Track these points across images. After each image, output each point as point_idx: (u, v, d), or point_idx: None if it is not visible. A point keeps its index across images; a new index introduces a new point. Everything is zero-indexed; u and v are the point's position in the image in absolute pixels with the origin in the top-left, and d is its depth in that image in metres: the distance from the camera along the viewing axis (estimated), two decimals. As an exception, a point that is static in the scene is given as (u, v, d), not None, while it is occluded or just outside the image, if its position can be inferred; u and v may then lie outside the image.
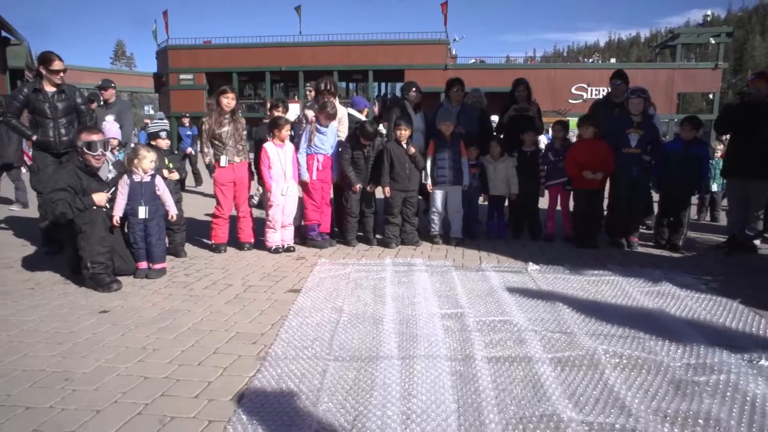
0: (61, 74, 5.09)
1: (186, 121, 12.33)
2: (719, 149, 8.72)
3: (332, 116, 5.39)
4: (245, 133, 5.43)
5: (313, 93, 6.71)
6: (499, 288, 4.06)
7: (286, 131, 5.24)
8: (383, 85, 40.22)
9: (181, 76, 35.16)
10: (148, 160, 4.34)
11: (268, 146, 5.21)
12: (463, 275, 4.43)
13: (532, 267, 4.69)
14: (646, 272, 4.56)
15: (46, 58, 5.00)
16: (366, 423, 2.14)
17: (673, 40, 39.39)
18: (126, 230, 4.40)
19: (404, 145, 5.51)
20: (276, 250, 5.28)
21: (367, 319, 3.36)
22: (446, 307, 3.59)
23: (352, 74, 35.72)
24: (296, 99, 30.74)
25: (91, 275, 3.98)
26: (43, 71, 5.00)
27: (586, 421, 2.15)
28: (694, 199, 6.83)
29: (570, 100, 33.01)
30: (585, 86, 32.85)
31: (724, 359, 2.75)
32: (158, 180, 4.42)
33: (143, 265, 4.41)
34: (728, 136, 5.90)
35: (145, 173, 4.34)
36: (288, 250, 5.34)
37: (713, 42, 34.38)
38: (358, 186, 5.49)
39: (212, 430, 2.14)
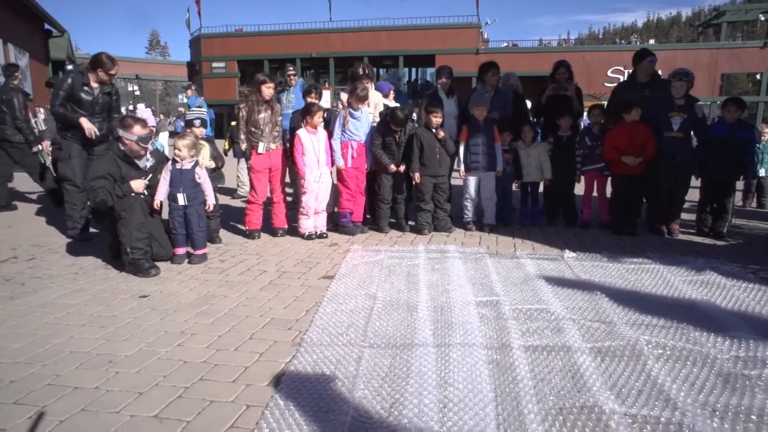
0: (115, 76, 5.32)
1: (190, 93, 12.07)
2: (767, 132, 8.32)
3: (363, 98, 5.33)
4: (280, 119, 5.47)
5: (295, 78, 6.86)
6: (534, 276, 3.98)
7: (318, 118, 5.22)
8: (414, 70, 39.82)
9: (214, 65, 35.58)
10: (177, 146, 4.41)
11: (302, 133, 5.22)
12: (497, 262, 4.36)
13: (568, 254, 4.58)
14: (688, 261, 4.40)
15: (102, 61, 5.13)
16: (403, 411, 2.13)
17: (717, 18, 37.64)
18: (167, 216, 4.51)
19: (434, 130, 5.43)
20: (309, 237, 5.31)
21: (401, 306, 3.34)
22: (481, 295, 3.54)
23: (383, 60, 35.45)
24: (327, 86, 30.76)
25: (130, 260, 4.09)
26: (101, 72, 5.14)
27: (629, 414, 2.09)
28: (740, 185, 6.54)
29: (606, 84, 31.97)
30: (622, 69, 31.78)
31: (776, 352, 2.63)
32: (199, 168, 4.49)
33: (181, 250, 4.50)
34: None
35: (182, 160, 4.41)
36: (321, 236, 5.36)
37: (762, 18, 32.69)
38: (393, 166, 5.41)
39: (250, 414, 2.17)
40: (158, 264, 4.24)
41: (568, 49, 40.06)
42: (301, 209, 5.34)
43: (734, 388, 2.31)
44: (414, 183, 5.60)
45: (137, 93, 29.33)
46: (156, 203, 4.41)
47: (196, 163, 4.48)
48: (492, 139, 5.60)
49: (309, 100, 5.75)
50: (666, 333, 2.90)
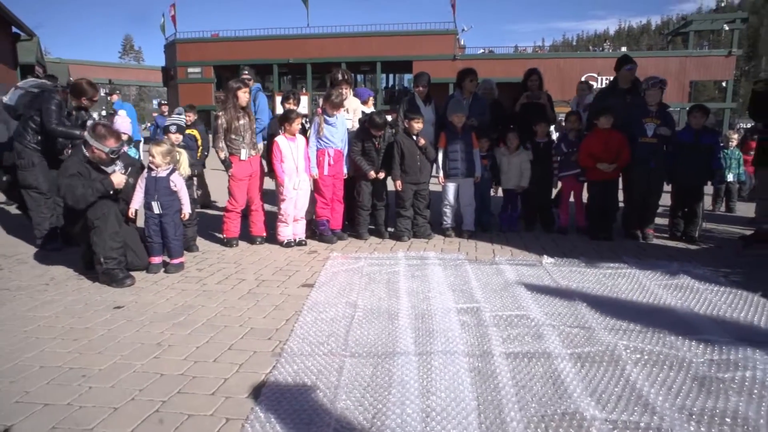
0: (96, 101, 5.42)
1: (165, 109, 11.36)
2: (734, 138, 8.57)
3: (337, 105, 5.32)
4: (255, 126, 5.43)
5: (251, 82, 6.25)
6: (514, 282, 4.01)
7: (297, 124, 5.18)
8: (391, 76, 39.97)
9: (189, 70, 35.12)
10: (156, 154, 4.32)
11: (280, 140, 5.17)
12: (477, 269, 4.39)
13: (546, 260, 4.63)
14: (662, 265, 4.49)
15: (84, 90, 5.16)
16: (385, 421, 2.11)
17: (685, 27, 38.74)
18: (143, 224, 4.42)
19: (414, 137, 5.44)
20: (288, 244, 5.26)
21: (382, 314, 3.33)
22: (462, 302, 3.55)
23: (360, 66, 35.49)
24: (304, 91, 30.65)
25: (104, 270, 3.98)
26: (84, 100, 5.16)
27: (610, 419, 2.11)
28: (709, 189, 6.71)
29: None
30: (595, 75, 32.43)
31: (749, 355, 2.69)
32: (175, 176, 4.40)
33: (157, 259, 4.41)
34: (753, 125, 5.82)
35: (157, 168, 4.33)
36: (300, 244, 5.32)
37: (727, 28, 33.78)
38: (372, 172, 5.42)
39: (230, 428, 2.12)
40: (133, 273, 4.14)
41: (543, 56, 40.76)
42: (280, 216, 5.29)
43: (709, 391, 2.35)
44: (395, 190, 5.61)
45: (110, 99, 28.64)
46: (131, 212, 4.33)
47: (172, 171, 4.40)
48: (470, 146, 5.64)
49: (287, 106, 5.72)
50: (643, 338, 2.95)
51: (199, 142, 6.91)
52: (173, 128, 4.98)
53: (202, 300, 3.72)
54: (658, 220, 5.86)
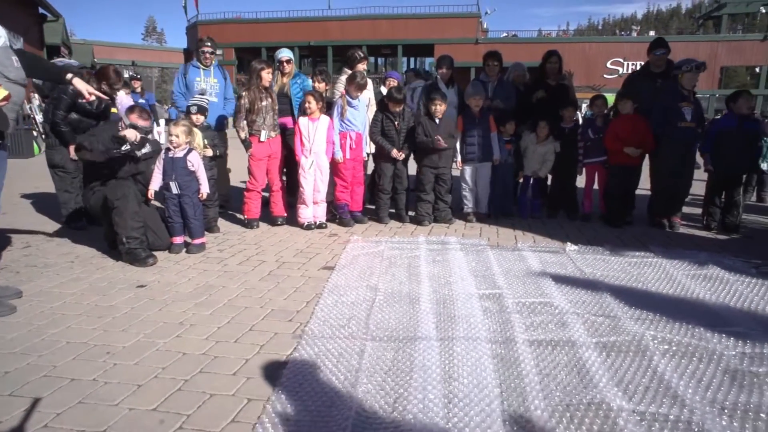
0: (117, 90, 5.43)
1: (137, 84, 9.94)
2: (768, 126, 8.28)
3: (362, 86, 5.27)
4: (277, 107, 5.39)
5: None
6: (537, 269, 3.95)
7: (312, 105, 5.07)
8: (413, 60, 39.56)
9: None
10: (171, 132, 4.33)
11: (301, 120, 5.14)
12: (499, 254, 4.32)
13: (570, 247, 4.55)
14: (690, 254, 4.37)
15: (109, 76, 5.17)
16: (407, 406, 2.09)
17: (718, 10, 37.50)
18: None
19: (437, 120, 5.35)
20: (308, 227, 5.25)
21: (403, 299, 3.30)
22: (483, 288, 3.50)
23: (381, 49, 35.19)
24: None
25: (126, 250, 4.03)
26: (104, 85, 5.10)
27: (638, 411, 2.06)
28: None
29: (605, 75, 31.89)
30: (621, 60, 31.65)
31: (783, 349, 2.60)
32: (192, 156, 4.41)
33: (178, 239, 4.44)
34: None
35: (175, 147, 4.33)
36: (320, 226, 5.30)
37: (763, 11, 32.56)
38: (395, 150, 5.33)
39: (251, 408, 2.12)
40: (156, 254, 4.18)
41: (568, 40, 39.87)
42: (299, 198, 5.28)
43: (742, 385, 2.28)
44: (416, 174, 5.52)
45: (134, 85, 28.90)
46: (150, 193, 4.34)
47: (189, 151, 4.40)
48: (488, 130, 5.56)
49: (315, 85, 5.63)
50: (671, 328, 2.87)
51: None
52: (194, 109, 4.98)
53: (223, 280, 3.74)
54: (684, 209, 5.70)
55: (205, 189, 4.52)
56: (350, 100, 5.26)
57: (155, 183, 4.34)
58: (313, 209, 5.32)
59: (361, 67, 5.64)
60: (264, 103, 5.13)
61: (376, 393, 2.20)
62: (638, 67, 6.50)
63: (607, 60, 32.15)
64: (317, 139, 5.14)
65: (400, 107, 5.36)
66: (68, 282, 3.66)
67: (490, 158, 5.60)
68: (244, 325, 2.95)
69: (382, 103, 5.45)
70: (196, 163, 4.42)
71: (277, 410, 2.09)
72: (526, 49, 30.20)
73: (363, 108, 5.39)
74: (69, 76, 3.56)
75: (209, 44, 5.83)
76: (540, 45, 31.07)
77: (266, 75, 5.12)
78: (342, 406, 2.10)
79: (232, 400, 2.18)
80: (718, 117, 5.58)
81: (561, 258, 4.28)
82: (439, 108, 5.31)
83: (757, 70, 33.75)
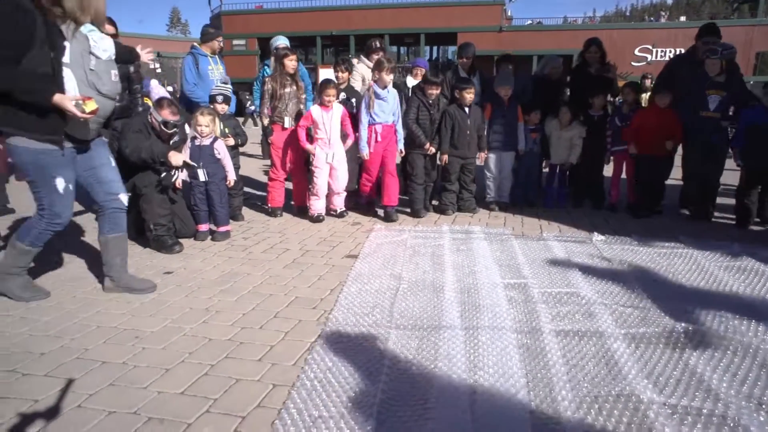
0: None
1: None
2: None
3: (392, 70, 5.03)
4: (305, 96, 5.37)
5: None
6: (562, 258, 3.88)
7: (329, 95, 4.86)
8: (435, 48, 39.18)
9: (234, 42, 35.43)
10: (200, 122, 4.35)
11: (314, 109, 4.97)
12: (524, 244, 4.27)
13: (596, 237, 4.46)
14: (723, 245, 4.23)
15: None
16: (432, 393, 2.08)
17: (754, -6, 36.08)
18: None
19: (466, 110, 5.23)
20: (317, 219, 5.10)
21: (427, 287, 3.28)
22: (508, 277, 3.46)
23: (404, 38, 34.90)
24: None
25: (154, 237, 4.09)
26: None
27: (669, 404, 2.01)
28: None
29: (633, 63, 31.05)
30: (650, 47, 30.76)
31: (822, 343, 2.51)
32: (218, 144, 4.44)
33: (204, 227, 4.50)
34: None
35: (203, 136, 4.37)
36: (340, 215, 5.27)
37: (801, -5, 31.21)
38: (427, 144, 5.18)
39: (277, 393, 2.14)
40: (181, 241, 4.24)
41: (594, 27, 38.92)
42: (311, 188, 5.16)
43: (779, 379, 2.21)
44: (442, 164, 5.43)
45: (159, 71, 29.34)
46: (178, 182, 4.36)
47: (215, 139, 4.44)
48: (515, 119, 5.49)
49: (338, 75, 5.51)
50: (704, 320, 2.80)
51: None
52: (220, 98, 5.01)
53: (247, 268, 3.77)
54: (718, 200, 5.53)
55: (232, 176, 4.56)
56: (378, 91, 4.98)
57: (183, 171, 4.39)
58: (325, 200, 5.22)
59: (376, 56, 5.51)
60: (287, 90, 5.11)
61: (401, 381, 2.20)
62: (668, 55, 6.26)
63: (635, 47, 31.27)
64: (333, 129, 5.00)
65: (437, 90, 5.18)
66: (98, 267, 3.72)
67: (514, 147, 5.53)
68: (268, 312, 2.98)
69: (419, 88, 5.29)
70: (222, 151, 4.46)
71: (302, 396, 2.10)
72: (552, 37, 29.64)
73: (392, 99, 5.09)
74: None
75: (220, 37, 6.00)
76: (565, 32, 30.44)
77: (288, 62, 5.10)
78: (366, 392, 2.10)
79: (257, 385, 2.20)
80: (749, 109, 5.14)
81: (587, 248, 4.20)
82: (469, 97, 5.20)
83: (793, 55, 32.43)
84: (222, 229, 4.52)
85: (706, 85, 5.03)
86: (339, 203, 5.31)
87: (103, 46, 2.91)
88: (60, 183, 2.90)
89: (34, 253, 3.07)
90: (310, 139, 5.15)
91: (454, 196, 5.48)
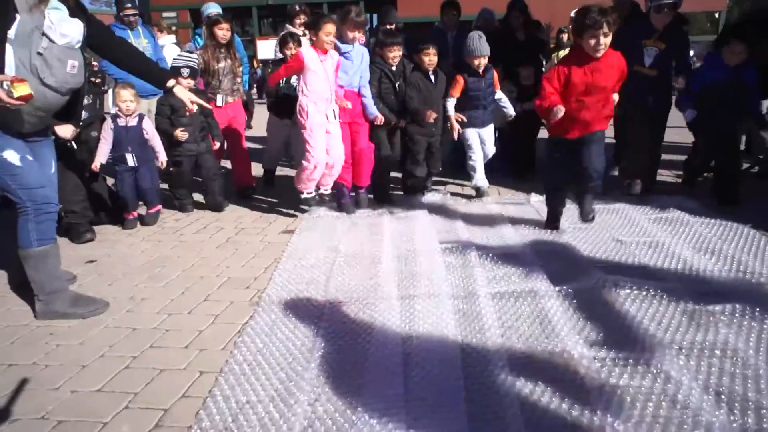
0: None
1: None
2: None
3: (361, 25, 4.10)
4: (241, 69, 4.98)
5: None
6: (500, 221, 3.90)
7: (327, 35, 3.78)
8: (375, 16, 38.45)
9: (164, 15, 33.43)
10: (123, 97, 3.98)
11: (307, 52, 3.83)
12: (463, 207, 4.26)
13: (534, 198, 4.50)
14: (652, 199, 4.36)
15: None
16: (367, 366, 2.03)
17: (679, -45, 37.14)
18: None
19: (432, 77, 4.38)
20: (307, 201, 4.15)
21: (364, 259, 3.21)
22: (447, 242, 3.43)
23: (344, 5, 34.01)
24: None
25: (66, 225, 3.77)
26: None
27: (598, 357, 2.04)
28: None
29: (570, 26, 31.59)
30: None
31: (738, 287, 2.63)
32: (146, 123, 4.09)
33: (132, 214, 4.16)
34: None
35: (128, 115, 3.98)
36: (321, 198, 4.23)
37: (722, -45, 32.42)
38: (394, 117, 4.34)
39: (204, 381, 2.03)
40: (109, 227, 3.96)
41: (532, -10, 39.12)
42: (306, 159, 3.93)
43: (699, 324, 2.29)
44: (406, 141, 4.52)
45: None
46: (95, 165, 3.93)
47: (142, 118, 4.12)
48: (493, 88, 4.62)
49: (287, 53, 4.87)
50: (633, 272, 2.87)
51: None
52: (185, 71, 4.18)
53: (178, 251, 3.59)
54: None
55: (163, 156, 4.16)
56: (341, 45, 3.98)
57: (102, 155, 3.94)
58: (321, 177, 4.07)
59: (299, 21, 5.13)
60: (221, 65, 4.67)
61: (335, 357, 2.13)
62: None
63: (571, 9, 31.76)
64: (331, 81, 3.90)
65: (398, 51, 4.24)
66: (7, 258, 3.43)
67: (491, 121, 4.78)
68: (199, 296, 2.83)
69: (375, 61, 4.30)
70: (150, 130, 4.09)
71: (230, 382, 2.00)
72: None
73: (359, 58, 4.14)
74: (171, 83, 2.92)
75: (129, 5, 5.35)
76: (504, -5, 30.47)
77: (219, 31, 4.63)
78: (299, 372, 2.03)
79: (183, 374, 2.08)
80: (704, 66, 4.44)
81: (525, 209, 4.24)
82: (427, 59, 4.32)
83: (716, 15, 33.88)
84: (153, 210, 4.22)
85: (642, 35, 4.22)
86: (329, 182, 4.15)
87: (64, 30, 2.36)
88: (11, 155, 2.42)
89: (53, 252, 2.64)
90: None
91: (422, 183, 4.70)
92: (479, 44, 4.38)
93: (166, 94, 3.63)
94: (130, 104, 3.98)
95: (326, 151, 3.92)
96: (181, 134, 4.23)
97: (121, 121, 3.99)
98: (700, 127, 4.40)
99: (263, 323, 2.46)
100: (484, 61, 4.42)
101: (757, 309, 2.34)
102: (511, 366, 2.01)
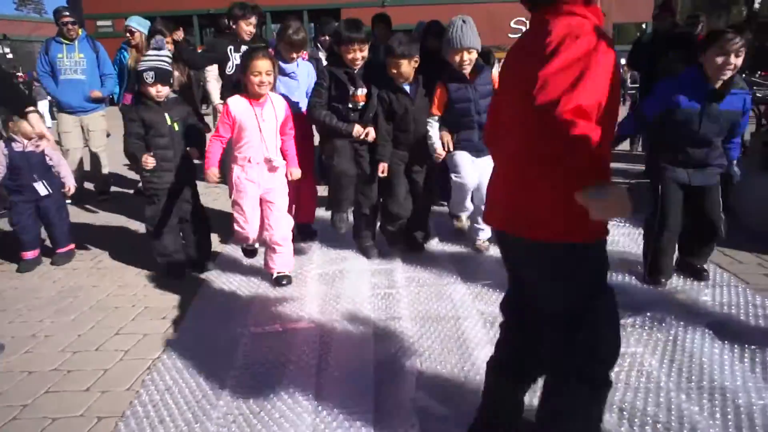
0: None
1: None
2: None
3: (298, 44, 3.44)
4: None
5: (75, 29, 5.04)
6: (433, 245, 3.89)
7: (263, 74, 2.89)
8: (318, 26, 38.43)
9: (99, 23, 32.17)
10: (35, 122, 3.53)
11: (233, 103, 2.97)
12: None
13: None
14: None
15: None
16: (276, 403, 1.96)
17: (609, -31, 39.13)
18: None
19: (407, 88, 3.24)
20: (254, 252, 3.31)
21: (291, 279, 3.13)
22: (376, 263, 3.39)
23: (286, 15, 33.80)
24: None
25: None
26: None
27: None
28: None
29: (510, 35, 32.65)
30: (524, 20, 32.51)
31: (648, 297, 2.73)
32: (48, 149, 3.52)
33: (30, 254, 3.61)
34: None
35: (28, 139, 3.46)
36: (278, 282, 3.08)
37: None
38: (358, 128, 3.19)
39: (101, 428, 1.90)
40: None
41: (472, 1, 40.31)
42: (237, 223, 3.05)
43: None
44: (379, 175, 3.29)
45: (9, 56, 26.03)
46: None
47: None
48: (489, 94, 3.27)
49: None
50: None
51: None
52: (149, 76, 3.10)
53: (95, 279, 3.39)
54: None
55: (71, 182, 3.72)
56: (283, 65, 3.38)
57: None
58: (268, 256, 3.12)
59: (244, 24, 4.14)
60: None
61: (247, 391, 2.05)
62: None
63: (511, 20, 32.87)
64: (270, 130, 3.02)
65: (360, 52, 3.15)
66: None
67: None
68: (109, 330, 2.67)
69: (327, 68, 3.40)
70: (54, 156, 3.68)
71: (131, 427, 1.88)
72: (435, 11, 30.17)
73: (305, 76, 3.57)
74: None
75: (67, 14, 5.08)
76: (447, 6, 31.12)
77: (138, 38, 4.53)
78: (207, 410, 1.93)
79: (78, 421, 1.94)
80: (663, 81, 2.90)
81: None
82: (404, 65, 3.14)
83: (644, 26, 35.85)
84: (64, 249, 3.72)
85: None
86: (280, 263, 3.10)
87: None
88: None
89: None
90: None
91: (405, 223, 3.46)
92: (461, 33, 3.16)
93: (130, 106, 3.30)
94: (29, 128, 3.00)
95: (267, 227, 3.05)
96: (150, 161, 3.06)
97: (17, 146, 3.46)
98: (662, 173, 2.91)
99: (175, 357, 2.34)
100: (470, 57, 3.21)
101: (665, 320, 2.43)
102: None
